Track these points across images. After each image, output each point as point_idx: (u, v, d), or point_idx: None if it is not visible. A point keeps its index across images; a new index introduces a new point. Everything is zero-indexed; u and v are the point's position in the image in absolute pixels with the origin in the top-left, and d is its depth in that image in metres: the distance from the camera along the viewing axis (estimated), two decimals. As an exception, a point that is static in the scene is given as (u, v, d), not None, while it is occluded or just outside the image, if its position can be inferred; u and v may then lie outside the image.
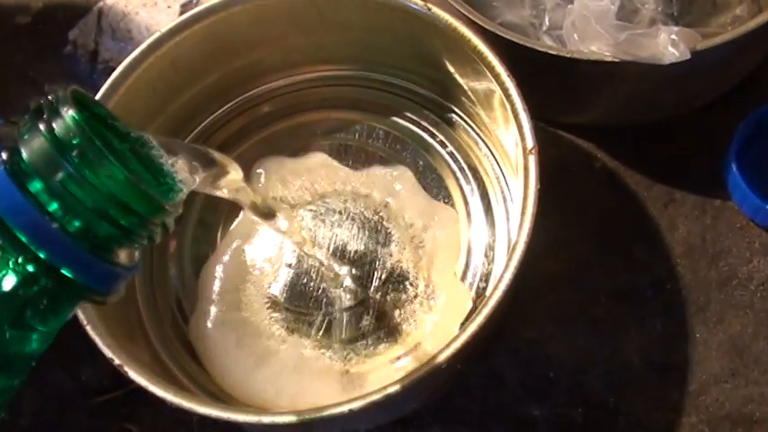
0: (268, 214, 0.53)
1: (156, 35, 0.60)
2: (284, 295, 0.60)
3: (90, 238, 0.33)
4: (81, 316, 0.53)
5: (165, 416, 0.63)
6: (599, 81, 0.60)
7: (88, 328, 0.53)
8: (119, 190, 0.34)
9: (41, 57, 0.77)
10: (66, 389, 0.65)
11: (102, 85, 0.58)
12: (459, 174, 0.63)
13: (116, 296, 0.36)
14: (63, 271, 0.33)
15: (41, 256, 0.32)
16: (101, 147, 0.33)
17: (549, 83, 0.61)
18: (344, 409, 0.49)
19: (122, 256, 0.35)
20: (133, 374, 0.52)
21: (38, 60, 0.77)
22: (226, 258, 0.62)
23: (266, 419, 0.50)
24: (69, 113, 0.33)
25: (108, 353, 0.52)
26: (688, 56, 0.54)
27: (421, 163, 0.64)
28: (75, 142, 0.33)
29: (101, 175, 0.33)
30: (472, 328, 0.50)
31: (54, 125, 0.33)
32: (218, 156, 0.45)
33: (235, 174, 0.46)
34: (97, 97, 0.59)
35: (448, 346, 0.50)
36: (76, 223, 0.33)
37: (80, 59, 0.76)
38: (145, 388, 0.52)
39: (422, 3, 0.57)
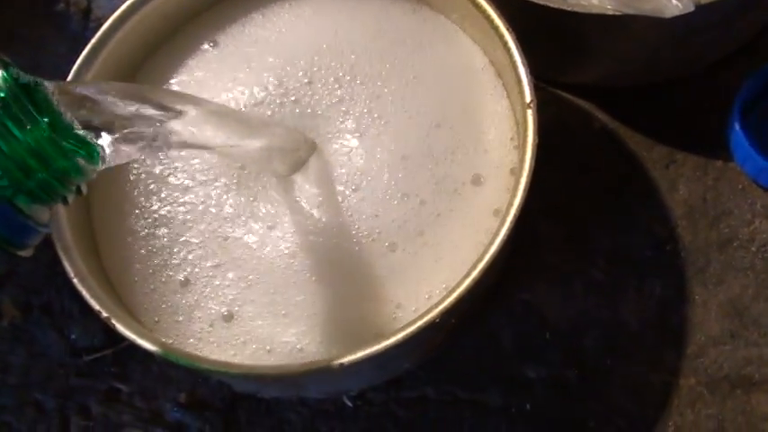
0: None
1: (146, -12, 0.59)
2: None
3: (5, 188, 0.36)
4: (69, 269, 0.52)
5: (154, 374, 0.62)
6: (600, 36, 0.59)
7: (76, 280, 0.52)
8: (39, 144, 0.36)
9: (33, 14, 0.76)
10: (54, 348, 0.64)
11: (92, 40, 0.58)
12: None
13: (26, 252, 0.38)
14: None
15: None
16: (25, 102, 0.35)
17: (549, 39, 0.60)
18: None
19: (36, 212, 0.37)
20: (120, 327, 0.51)
21: (30, 18, 0.76)
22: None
23: (254, 373, 0.49)
24: None
25: (95, 305, 0.51)
26: (692, 8, 0.52)
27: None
28: (0, 96, 0.35)
29: (23, 128, 0.35)
30: (467, 282, 0.49)
31: None
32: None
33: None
34: (87, 49, 0.58)
35: (442, 300, 0.49)
36: None
37: (72, 17, 0.75)
38: (133, 343, 0.51)
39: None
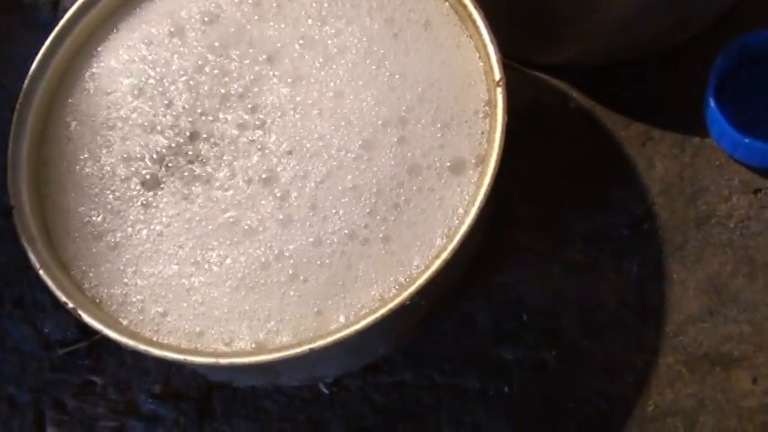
0: None
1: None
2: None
3: None
4: (34, 260, 0.52)
5: (129, 366, 0.62)
6: (571, 11, 0.58)
7: (41, 271, 0.51)
8: None
9: (2, 6, 0.75)
10: (27, 342, 0.64)
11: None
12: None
13: None
14: None
15: None
16: None
17: (522, 17, 0.59)
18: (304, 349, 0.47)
19: None
20: (87, 318, 0.50)
21: (-1, 10, 0.75)
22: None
23: (224, 361, 0.49)
24: None
25: (61, 295, 0.51)
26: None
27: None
28: None
29: None
30: (437, 263, 0.48)
31: None
32: None
33: None
34: (51, 36, 0.58)
35: (412, 282, 0.48)
36: None
37: (42, 8, 0.74)
38: (101, 333, 0.50)
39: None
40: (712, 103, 0.60)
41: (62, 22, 0.58)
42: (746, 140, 0.58)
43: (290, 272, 0.51)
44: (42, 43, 0.58)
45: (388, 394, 0.59)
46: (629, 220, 0.61)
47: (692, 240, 0.60)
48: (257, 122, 0.55)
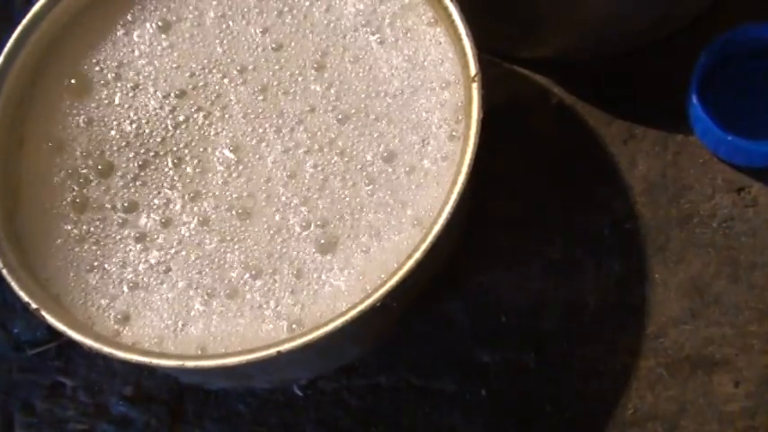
0: None
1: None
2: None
3: None
4: (-3, 259, 0.50)
5: (100, 368, 0.60)
6: (552, 6, 0.56)
7: (5, 271, 0.50)
8: None
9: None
10: (-4, 342, 0.62)
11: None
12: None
13: None
14: None
15: None
16: None
17: (502, 11, 0.58)
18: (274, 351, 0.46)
19: None
20: (51, 319, 0.49)
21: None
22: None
23: (190, 365, 0.47)
24: None
25: (24, 296, 0.49)
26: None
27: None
28: None
29: None
30: (408, 264, 0.47)
31: None
32: None
33: None
34: (19, 29, 0.57)
35: (383, 283, 0.47)
36: None
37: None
38: (65, 334, 0.49)
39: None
40: (695, 101, 0.58)
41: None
42: (729, 138, 0.57)
43: (257, 273, 0.50)
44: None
45: (362, 397, 0.58)
46: (611, 219, 0.60)
47: (674, 240, 0.59)
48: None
